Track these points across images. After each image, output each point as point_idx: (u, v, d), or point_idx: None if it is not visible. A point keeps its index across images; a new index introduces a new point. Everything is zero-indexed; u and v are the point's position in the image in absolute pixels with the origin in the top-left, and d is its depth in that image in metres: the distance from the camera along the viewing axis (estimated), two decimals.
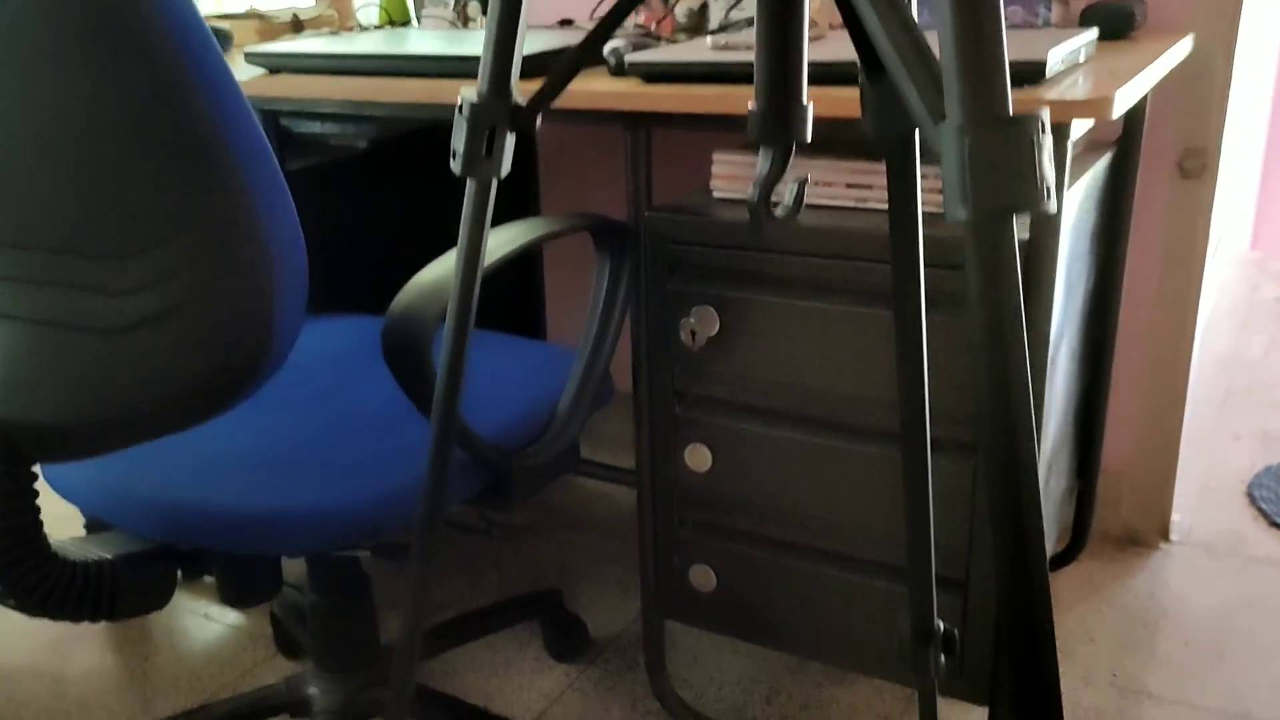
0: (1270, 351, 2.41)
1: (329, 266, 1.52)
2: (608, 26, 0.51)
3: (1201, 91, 1.40)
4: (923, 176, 0.86)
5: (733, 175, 1.09)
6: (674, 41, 1.25)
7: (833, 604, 1.09)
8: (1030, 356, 0.99)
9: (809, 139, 0.51)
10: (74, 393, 0.76)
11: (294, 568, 1.65)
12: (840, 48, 1.03)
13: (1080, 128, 0.88)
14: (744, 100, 0.96)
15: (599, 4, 1.50)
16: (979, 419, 0.47)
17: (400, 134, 1.60)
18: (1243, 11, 1.35)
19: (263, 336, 0.75)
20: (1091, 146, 1.32)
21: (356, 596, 1.11)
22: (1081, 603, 1.50)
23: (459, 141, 0.55)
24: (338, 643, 1.12)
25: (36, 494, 0.82)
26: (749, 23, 1.25)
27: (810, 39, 0.94)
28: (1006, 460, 0.40)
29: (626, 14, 0.52)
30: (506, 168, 0.55)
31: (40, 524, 0.83)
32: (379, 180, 1.58)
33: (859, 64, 0.52)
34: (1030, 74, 0.89)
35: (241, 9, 1.67)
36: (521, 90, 0.66)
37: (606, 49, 1.04)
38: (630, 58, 1.03)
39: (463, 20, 1.55)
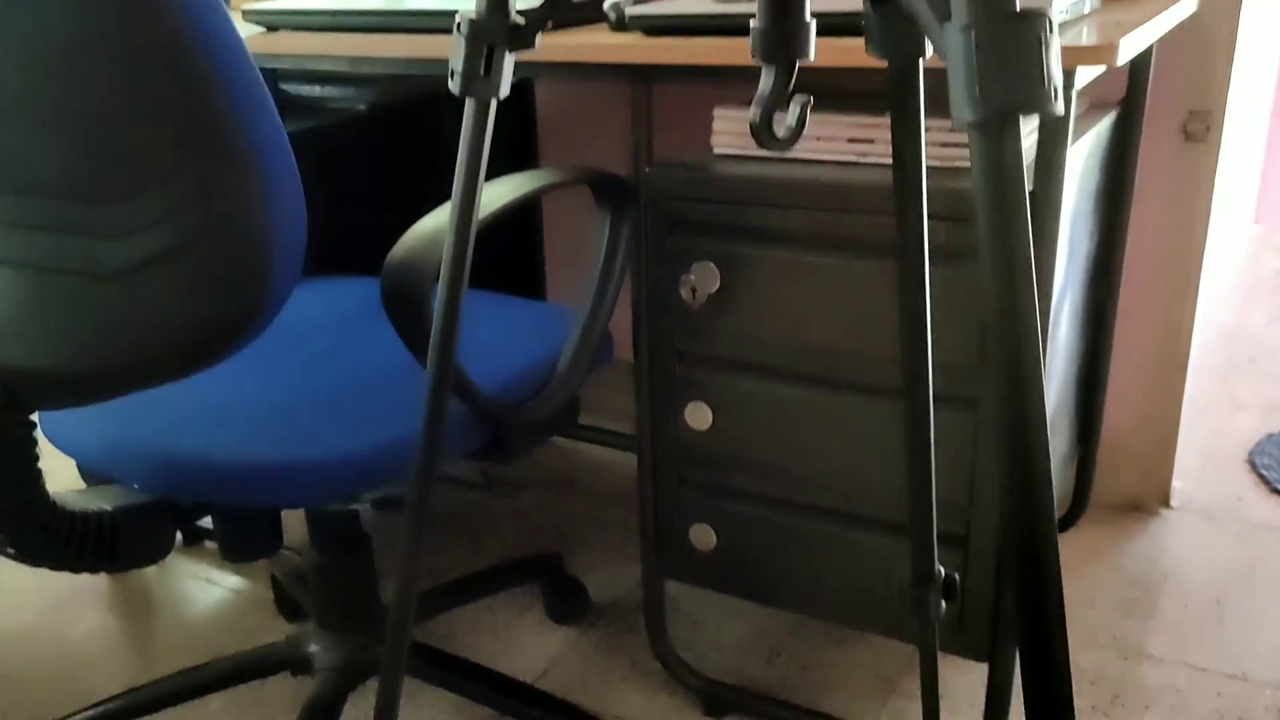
0: (1272, 323, 2.40)
1: (328, 230, 1.52)
2: None
3: (1206, 54, 1.39)
4: (926, 130, 0.85)
5: (734, 131, 1.08)
6: None
7: (833, 561, 1.09)
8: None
9: (812, 57, 0.51)
10: (73, 338, 0.76)
11: (295, 532, 1.65)
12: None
13: (1085, 77, 0.87)
14: (746, 53, 0.95)
15: None
16: (986, 334, 0.47)
17: (399, 98, 1.59)
18: None
19: (262, 281, 0.75)
20: (1095, 106, 1.31)
21: (357, 554, 1.11)
22: (1082, 567, 1.50)
23: (457, 61, 0.54)
24: (338, 600, 1.12)
25: (36, 442, 0.82)
26: None
27: None
28: (1012, 363, 0.40)
29: None
30: (505, 89, 0.55)
31: (40, 473, 0.83)
32: (379, 144, 1.57)
33: None
34: None
35: None
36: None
37: (607, 4, 1.03)
38: (631, 10, 1.02)
39: None
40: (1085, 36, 0.87)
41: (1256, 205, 3.00)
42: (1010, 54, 0.35)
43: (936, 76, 0.89)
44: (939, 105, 1.06)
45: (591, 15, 1.09)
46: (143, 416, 0.93)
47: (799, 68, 0.52)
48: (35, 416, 0.82)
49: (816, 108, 1.06)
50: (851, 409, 1.03)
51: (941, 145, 0.99)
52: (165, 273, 0.74)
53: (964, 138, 0.97)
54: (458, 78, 0.54)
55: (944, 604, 0.74)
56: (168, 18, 0.67)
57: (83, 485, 1.57)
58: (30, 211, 0.76)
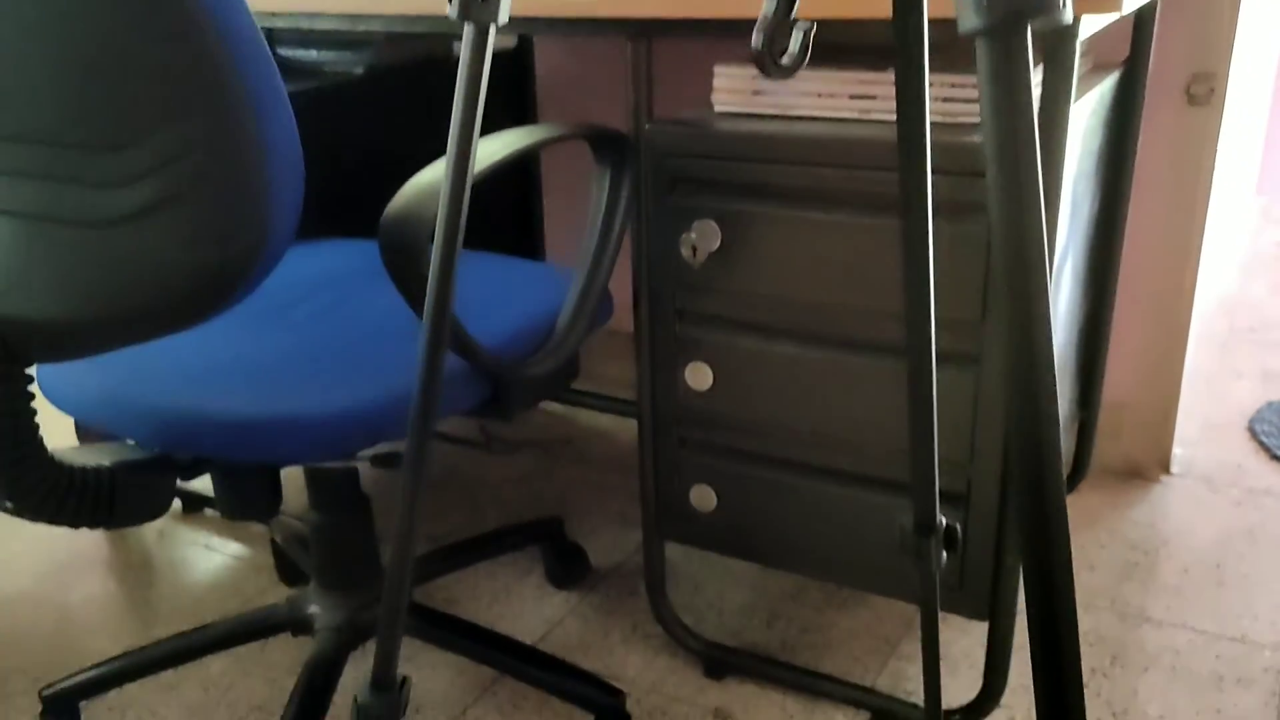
0: (1273, 293, 2.40)
1: (326, 193, 1.51)
2: None
3: (1210, 16, 1.38)
4: (929, 85, 0.84)
5: (734, 89, 1.07)
6: None
7: (834, 520, 1.09)
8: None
9: None
10: (69, 288, 0.75)
11: (296, 499, 1.65)
12: None
13: (1089, 28, 0.87)
14: (746, 4, 0.95)
15: None
16: (993, 251, 0.46)
17: (396, 62, 1.58)
18: None
19: (259, 231, 0.74)
20: (1099, 66, 1.30)
21: (357, 514, 1.11)
22: (1081, 532, 1.51)
23: None
24: (338, 561, 1.12)
25: (33, 396, 0.82)
26: None
27: None
28: (1020, 287, 0.40)
29: None
30: (505, 16, 0.54)
31: (37, 426, 0.83)
32: (375, 108, 1.56)
33: None
34: None
35: None
36: None
37: None
38: None
39: None
40: None
41: (1259, 177, 2.99)
42: None
43: (939, 29, 0.88)
44: (942, 58, 1.05)
45: None
46: (140, 372, 0.93)
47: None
48: (32, 371, 0.82)
49: (818, 65, 1.05)
50: (853, 367, 1.03)
51: (944, 100, 0.98)
52: (162, 221, 0.73)
53: (967, 93, 0.97)
54: (455, 2, 0.53)
55: (945, 554, 0.74)
56: None
57: (79, 439, 1.57)
58: (26, 160, 0.75)
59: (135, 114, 0.71)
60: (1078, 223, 1.20)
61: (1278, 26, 2.18)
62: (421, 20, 1.10)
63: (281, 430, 0.86)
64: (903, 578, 1.08)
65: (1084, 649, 1.26)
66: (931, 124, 0.97)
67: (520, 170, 1.51)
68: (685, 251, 1.06)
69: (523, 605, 1.38)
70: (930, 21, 0.86)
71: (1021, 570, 0.55)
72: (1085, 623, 1.31)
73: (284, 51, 1.54)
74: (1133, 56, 1.33)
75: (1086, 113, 1.12)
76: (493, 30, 0.54)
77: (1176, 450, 1.65)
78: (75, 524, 0.86)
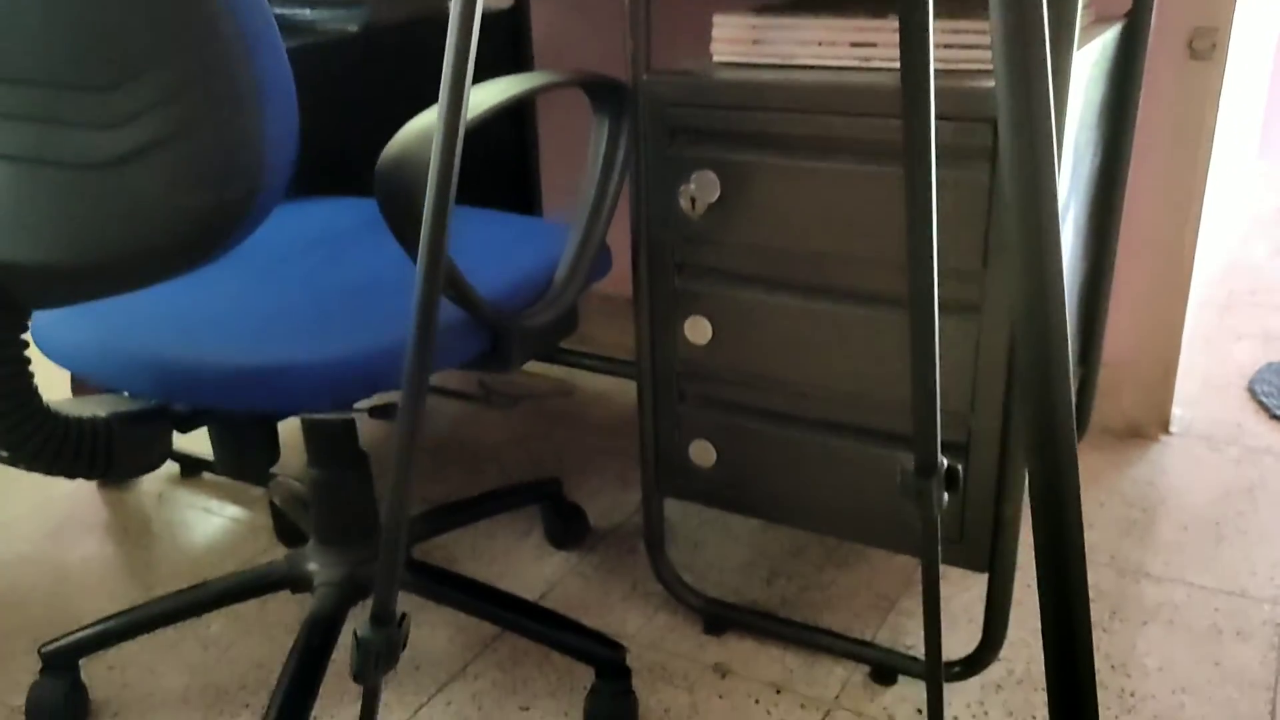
0: (1274, 256, 2.39)
1: (323, 152, 1.50)
2: None
3: None
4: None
5: (733, 39, 1.06)
6: None
7: (834, 474, 1.09)
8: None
9: None
10: (64, 231, 0.74)
11: (293, 462, 1.65)
12: None
13: None
14: None
15: None
16: (1006, 192, 0.45)
17: (391, 20, 1.56)
18: None
19: (255, 173, 0.74)
20: (1101, 19, 1.29)
21: (355, 470, 1.11)
22: (1080, 490, 1.50)
23: None
24: (337, 517, 1.12)
25: (27, 344, 0.81)
26: None
27: None
28: (1031, 225, 0.39)
29: None
30: None
31: (32, 375, 0.82)
32: (371, 66, 1.54)
33: None
34: None
35: None
36: None
37: None
38: None
39: None
40: None
41: (1261, 141, 2.98)
42: None
43: None
44: (944, 5, 1.04)
45: None
46: (135, 323, 0.92)
47: None
48: (27, 321, 0.81)
49: (818, 12, 1.04)
50: (854, 318, 1.02)
51: (945, 47, 0.97)
52: (156, 163, 0.72)
53: (968, 39, 0.95)
54: None
55: (946, 496, 0.74)
56: None
57: (73, 391, 1.57)
58: (16, 102, 0.74)
59: (127, 54, 0.70)
60: (1079, 176, 1.20)
61: None
62: None
63: (277, 378, 0.85)
64: (903, 531, 1.08)
65: None
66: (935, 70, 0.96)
67: (517, 127, 1.50)
68: (684, 203, 1.05)
69: (522, 565, 1.38)
70: None
71: (1032, 521, 0.54)
72: None
73: (279, 10, 1.52)
74: (1135, 8, 1.32)
75: (1088, 63, 1.11)
76: None
77: (1176, 410, 1.64)
78: (72, 474, 0.86)
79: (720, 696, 1.13)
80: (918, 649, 1.19)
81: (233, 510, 1.54)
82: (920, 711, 1.10)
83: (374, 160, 0.83)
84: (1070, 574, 0.51)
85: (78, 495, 1.59)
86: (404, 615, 0.65)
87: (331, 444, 1.09)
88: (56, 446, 0.84)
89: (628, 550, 1.41)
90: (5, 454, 0.83)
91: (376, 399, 1.52)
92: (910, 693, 1.13)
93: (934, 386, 0.71)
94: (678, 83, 1.03)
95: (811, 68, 1.02)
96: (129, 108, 0.72)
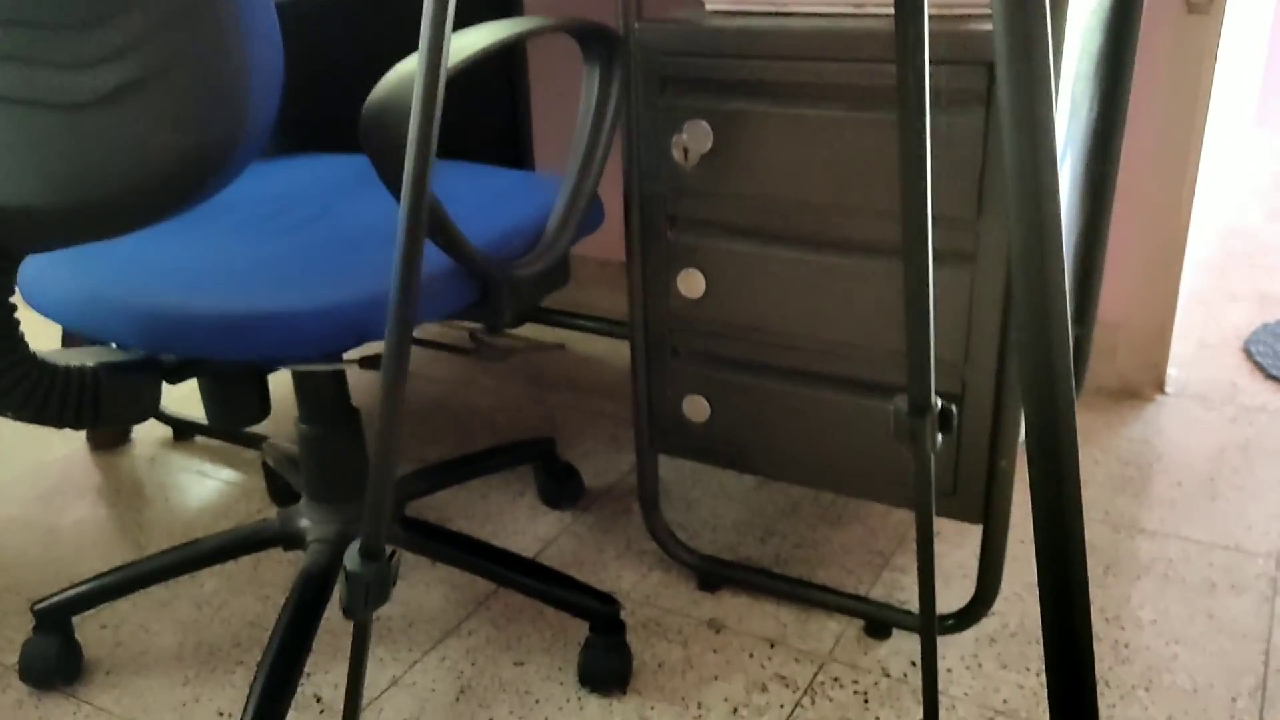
0: (1270, 220, 2.38)
1: (309, 108, 1.49)
2: None
3: None
4: None
5: None
6: None
7: (829, 427, 1.08)
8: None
9: None
10: (44, 173, 0.73)
11: (286, 424, 1.64)
12: None
13: None
14: None
15: None
16: (1004, 137, 0.44)
17: None
18: None
19: (238, 112, 0.72)
20: None
21: (346, 425, 1.10)
22: (1077, 438, 1.50)
23: None
24: (328, 474, 1.12)
25: (13, 290, 0.80)
26: None
27: None
28: (1029, 169, 0.38)
29: None
30: None
31: (17, 321, 0.81)
32: (360, 22, 1.53)
33: None
34: None
35: None
36: None
37: None
38: None
39: None
40: None
41: (1258, 109, 2.97)
42: None
43: None
44: None
45: None
46: (122, 274, 0.91)
47: None
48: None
49: None
50: (848, 269, 1.01)
51: None
52: (138, 102, 0.71)
53: None
54: None
55: (940, 438, 0.73)
56: None
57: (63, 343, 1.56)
58: None
59: None
60: (1075, 130, 1.19)
61: None
62: None
63: (264, 326, 0.84)
64: (898, 483, 1.07)
65: None
66: (930, 15, 0.94)
67: (507, 82, 1.49)
68: (676, 154, 1.04)
69: (516, 524, 1.38)
70: None
71: (1028, 468, 0.54)
72: None
73: None
74: None
75: (1086, 10, 1.10)
76: None
77: (1171, 371, 1.64)
78: (59, 423, 0.85)
79: (714, 651, 1.13)
80: (911, 604, 1.19)
81: (226, 473, 1.54)
82: (914, 664, 1.10)
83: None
84: (1067, 524, 0.50)
85: (70, 459, 1.58)
86: (394, 551, 0.64)
87: (322, 399, 1.08)
88: (43, 394, 0.83)
89: (622, 510, 1.40)
90: None
91: (367, 350, 1.51)
92: (904, 646, 1.13)
93: (928, 324, 0.70)
94: (670, 31, 1.01)
95: (804, 14, 1.01)
96: (109, 46, 0.70)
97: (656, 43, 1.02)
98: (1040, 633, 1.14)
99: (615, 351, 1.87)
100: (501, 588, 1.25)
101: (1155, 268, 1.57)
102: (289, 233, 1.00)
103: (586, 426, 1.62)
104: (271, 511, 1.44)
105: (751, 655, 1.12)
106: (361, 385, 1.74)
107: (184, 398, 1.73)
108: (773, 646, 1.14)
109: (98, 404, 0.86)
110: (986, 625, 1.15)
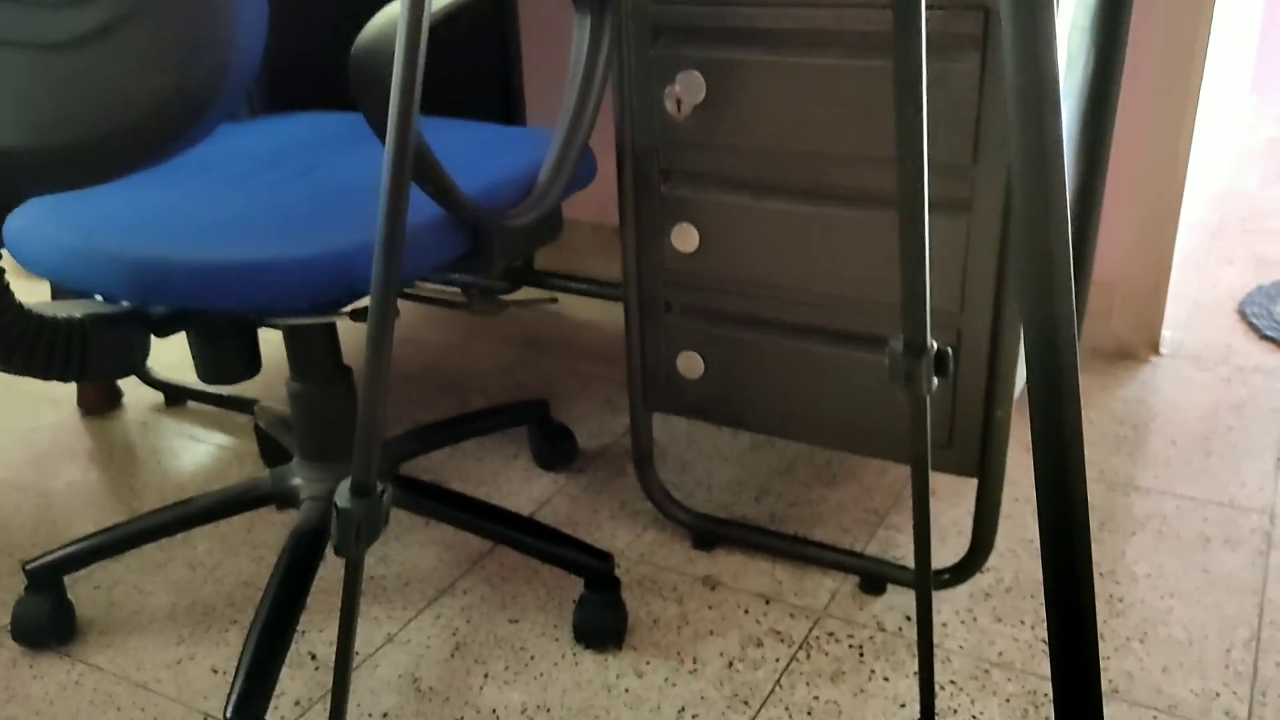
0: (1265, 185, 2.37)
1: (298, 66, 1.47)
2: None
3: None
4: None
5: None
6: None
7: (824, 382, 1.08)
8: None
9: None
10: (26, 114, 0.72)
11: (277, 389, 1.64)
12: None
13: None
14: None
15: None
16: (1007, 78, 0.43)
17: None
18: None
19: (222, 52, 0.71)
20: None
21: (338, 384, 1.09)
22: (1079, 383, 1.50)
23: None
24: (320, 432, 1.11)
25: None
26: None
27: None
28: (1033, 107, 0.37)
29: None
30: None
31: (3, 271, 0.80)
32: None
33: None
34: None
35: None
36: None
37: None
38: None
39: None
40: None
41: (1254, 76, 2.95)
42: None
43: None
44: None
45: None
46: (107, 226, 0.90)
47: None
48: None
49: None
50: (843, 220, 1.01)
51: None
52: (120, 42, 0.70)
53: None
54: None
55: (935, 381, 0.73)
56: None
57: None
58: None
59: None
60: (1071, 81, 1.17)
61: None
62: None
63: (251, 276, 0.83)
64: (893, 437, 1.07)
65: None
66: None
67: (498, 35, 1.47)
68: (669, 106, 1.03)
69: (510, 486, 1.38)
70: None
71: (1030, 420, 0.53)
72: None
73: None
74: None
75: None
76: None
77: (1166, 332, 1.64)
78: (46, 375, 0.84)
79: (710, 607, 1.13)
80: (907, 559, 1.19)
81: (218, 437, 1.53)
82: (909, 619, 1.10)
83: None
84: (1069, 476, 0.50)
85: (61, 424, 1.58)
86: (384, 488, 0.64)
87: (314, 355, 1.07)
88: (30, 344, 0.82)
89: (616, 472, 1.40)
90: None
91: (357, 304, 1.49)
92: (899, 601, 1.13)
93: (923, 264, 0.69)
94: None
95: None
96: None
97: None
98: (1034, 588, 1.14)
99: (609, 315, 1.86)
100: (496, 547, 1.24)
101: (1150, 228, 1.56)
102: (278, 185, 0.99)
103: (580, 390, 1.62)
104: (264, 475, 1.43)
105: (747, 611, 1.12)
106: (352, 343, 1.73)
107: (175, 364, 1.72)
108: (768, 603, 1.14)
109: (85, 356, 0.85)
110: (981, 580, 1.15)
